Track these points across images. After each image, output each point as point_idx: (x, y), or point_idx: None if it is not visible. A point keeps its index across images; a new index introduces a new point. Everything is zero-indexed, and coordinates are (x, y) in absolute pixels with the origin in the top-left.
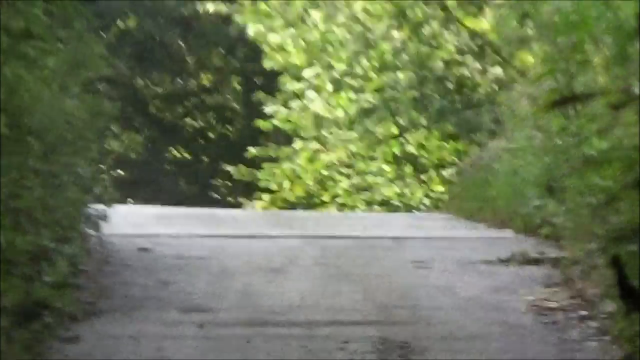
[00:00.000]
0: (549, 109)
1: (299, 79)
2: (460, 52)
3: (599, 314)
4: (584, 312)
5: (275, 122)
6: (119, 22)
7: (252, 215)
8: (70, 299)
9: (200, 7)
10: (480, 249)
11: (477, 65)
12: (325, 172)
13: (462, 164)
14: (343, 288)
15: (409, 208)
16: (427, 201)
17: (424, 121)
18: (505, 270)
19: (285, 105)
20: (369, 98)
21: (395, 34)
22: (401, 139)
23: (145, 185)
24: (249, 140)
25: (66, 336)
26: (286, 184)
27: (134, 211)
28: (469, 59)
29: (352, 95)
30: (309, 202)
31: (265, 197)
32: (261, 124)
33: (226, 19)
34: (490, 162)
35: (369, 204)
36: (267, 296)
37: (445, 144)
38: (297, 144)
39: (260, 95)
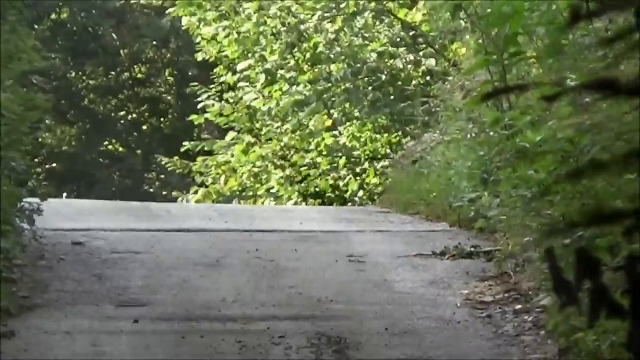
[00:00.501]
0: (482, 100)
1: (232, 71)
2: (394, 44)
3: (534, 308)
4: (519, 306)
5: (209, 115)
6: (53, 15)
7: (187, 208)
8: (5, 294)
9: None
10: (415, 242)
11: (411, 57)
12: (259, 165)
13: (396, 156)
14: (278, 282)
15: (343, 201)
16: (361, 194)
17: (357, 113)
18: (440, 263)
19: (219, 97)
20: (302, 90)
21: (328, 26)
22: (335, 131)
23: (79, 178)
24: (183, 133)
25: (1, 331)
26: (220, 177)
27: (68, 205)
28: (402, 51)
29: (285, 87)
30: (244, 195)
31: (200, 190)
32: (194, 117)
33: (159, 11)
34: (424, 154)
35: (304, 196)
36: (202, 291)
37: (379, 136)
38: (231, 136)
39: (193, 87)
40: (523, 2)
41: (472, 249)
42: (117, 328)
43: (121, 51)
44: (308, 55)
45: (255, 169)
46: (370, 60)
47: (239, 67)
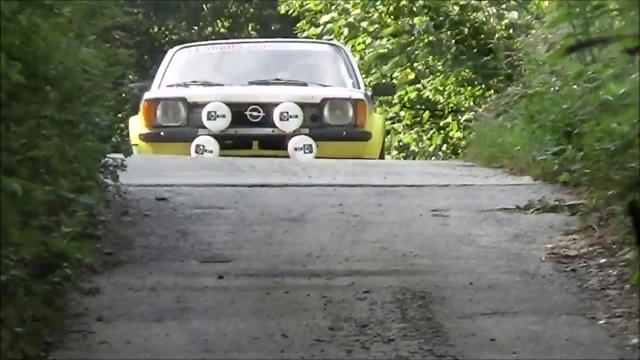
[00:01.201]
0: (565, 54)
1: (315, 25)
2: None
3: (618, 262)
4: (603, 260)
5: None
6: None
7: (271, 164)
8: (89, 250)
9: None
10: (498, 196)
11: (493, 10)
12: None
13: (479, 110)
14: (362, 237)
15: (427, 154)
16: (445, 147)
17: (440, 67)
18: (524, 217)
19: None
20: (385, 44)
21: None
22: (418, 84)
23: None
24: None
25: (86, 288)
26: None
27: (152, 160)
28: (485, 3)
29: (368, 40)
30: None
31: None
32: None
33: None
34: (507, 107)
35: (387, 150)
36: (287, 246)
37: (462, 89)
38: None
39: None
40: None
41: (556, 202)
42: (201, 284)
43: (204, 5)
44: (391, 8)
45: None
46: (453, 13)
47: (322, 20)
